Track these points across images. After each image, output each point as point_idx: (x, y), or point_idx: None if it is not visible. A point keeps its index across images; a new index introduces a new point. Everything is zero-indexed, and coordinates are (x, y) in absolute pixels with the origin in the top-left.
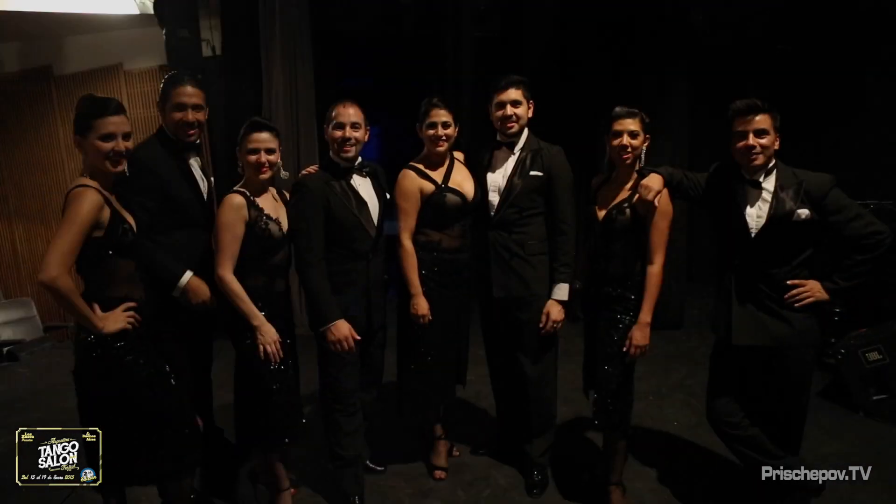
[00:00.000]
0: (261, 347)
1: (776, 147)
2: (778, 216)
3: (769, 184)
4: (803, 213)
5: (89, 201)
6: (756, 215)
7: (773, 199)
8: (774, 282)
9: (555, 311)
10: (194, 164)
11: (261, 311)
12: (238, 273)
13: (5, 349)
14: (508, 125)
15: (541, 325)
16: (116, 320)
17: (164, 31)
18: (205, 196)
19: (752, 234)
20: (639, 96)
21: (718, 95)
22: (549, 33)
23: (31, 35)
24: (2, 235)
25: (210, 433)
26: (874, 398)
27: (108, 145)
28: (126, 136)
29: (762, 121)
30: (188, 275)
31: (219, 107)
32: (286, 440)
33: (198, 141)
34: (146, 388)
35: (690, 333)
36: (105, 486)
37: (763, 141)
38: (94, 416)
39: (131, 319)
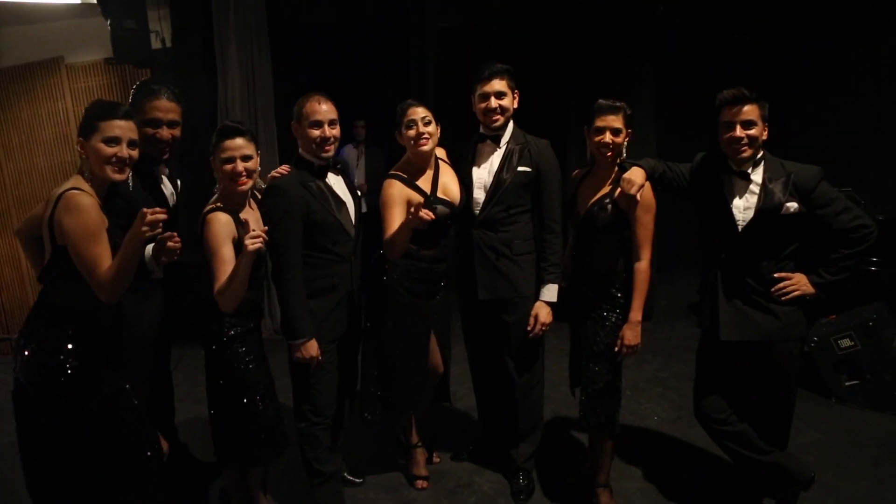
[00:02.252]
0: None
1: (764, 138)
2: (766, 209)
3: (757, 175)
4: (792, 206)
5: (92, 205)
6: (743, 207)
7: (761, 191)
8: (761, 275)
9: (543, 314)
10: (163, 176)
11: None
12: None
13: None
14: (493, 118)
15: (529, 328)
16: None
17: (108, 22)
18: (171, 206)
19: (739, 227)
20: (606, 88)
21: (685, 87)
22: (515, 23)
23: None
24: None
25: (174, 450)
26: (846, 384)
27: (111, 150)
28: (132, 144)
29: (750, 111)
30: (148, 247)
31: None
32: (270, 455)
33: (166, 156)
34: (105, 409)
35: (661, 325)
36: None
37: (751, 132)
38: (41, 442)
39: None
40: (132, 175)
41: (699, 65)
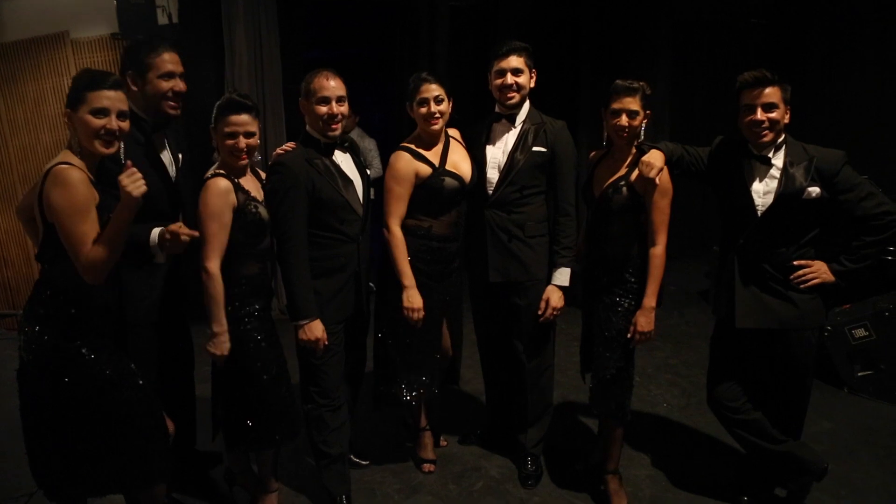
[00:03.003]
0: (211, 352)
1: (786, 121)
2: (787, 194)
3: (778, 160)
4: (814, 191)
5: (81, 181)
6: (763, 192)
7: (782, 175)
8: (780, 262)
9: (555, 298)
10: (159, 142)
11: (255, 303)
12: (229, 263)
13: None
14: (509, 95)
15: (539, 312)
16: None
17: None
18: (173, 179)
19: (759, 213)
20: (619, 69)
21: (700, 70)
22: (528, 3)
23: None
24: None
25: (188, 434)
26: (860, 374)
27: (99, 122)
28: (122, 115)
29: (771, 93)
30: (156, 231)
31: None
32: (284, 437)
33: (176, 112)
34: (109, 389)
35: (670, 311)
36: (64, 499)
37: (772, 115)
38: (45, 422)
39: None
40: (123, 147)
41: (715, 48)
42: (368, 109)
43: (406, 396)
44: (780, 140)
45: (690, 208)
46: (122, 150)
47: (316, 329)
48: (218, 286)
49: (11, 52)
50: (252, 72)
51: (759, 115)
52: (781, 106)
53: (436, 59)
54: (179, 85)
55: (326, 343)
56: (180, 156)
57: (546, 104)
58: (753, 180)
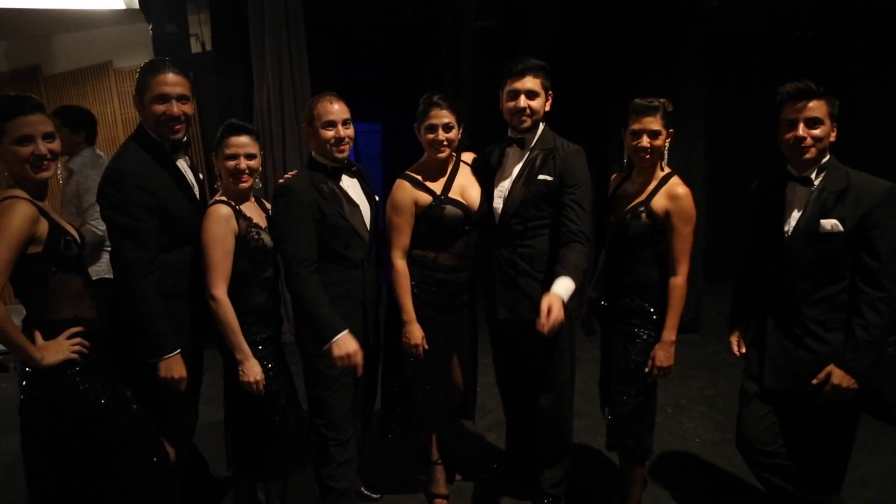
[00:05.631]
0: (245, 382)
1: (832, 139)
2: (806, 223)
3: (818, 182)
4: (828, 223)
5: (20, 214)
6: (795, 219)
7: (810, 200)
8: (814, 309)
9: (557, 306)
10: (185, 166)
11: (261, 333)
12: (235, 293)
13: None
14: (521, 119)
15: (540, 324)
16: (59, 350)
17: (150, 27)
18: (199, 201)
19: (786, 242)
20: (650, 90)
21: (736, 87)
22: (555, 21)
23: (19, 34)
24: None
25: (193, 462)
26: None
27: (25, 150)
28: (48, 137)
29: (816, 108)
30: (176, 352)
31: (210, 104)
32: (292, 468)
33: (185, 138)
34: (104, 418)
35: (709, 337)
36: None
37: (816, 132)
38: (45, 457)
39: (76, 347)
40: (64, 169)
41: (754, 63)
42: (396, 132)
43: (412, 433)
44: (824, 160)
45: (732, 230)
46: (59, 172)
47: (350, 341)
48: (229, 312)
49: (60, 83)
50: (280, 97)
51: (802, 130)
52: (827, 122)
53: (460, 81)
54: (173, 109)
55: (362, 354)
56: (201, 176)
57: (575, 125)
58: (792, 205)
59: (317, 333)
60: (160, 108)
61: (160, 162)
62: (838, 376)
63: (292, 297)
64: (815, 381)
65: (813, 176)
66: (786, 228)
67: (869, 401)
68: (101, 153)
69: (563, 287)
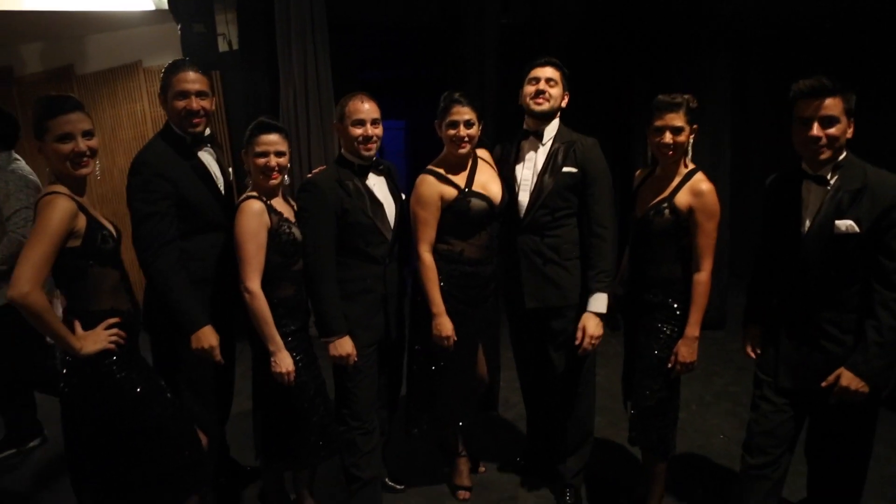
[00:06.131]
0: (276, 372)
1: (849, 136)
2: (821, 224)
3: (833, 181)
4: (844, 224)
5: (61, 209)
6: (811, 220)
7: (826, 200)
8: (832, 313)
9: (592, 325)
10: (209, 158)
11: (291, 325)
12: (265, 285)
13: None
14: (539, 100)
15: (577, 343)
16: (97, 340)
17: (179, 27)
18: (223, 193)
19: (802, 243)
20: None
21: (764, 85)
22: (578, 18)
23: (52, 35)
24: None
25: (220, 450)
26: None
27: (66, 147)
28: (87, 135)
29: (831, 105)
30: (207, 328)
31: (237, 102)
32: (322, 457)
33: (207, 132)
34: (140, 406)
35: (734, 334)
36: None
37: (831, 131)
38: (85, 441)
39: (114, 337)
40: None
41: (780, 57)
42: (420, 130)
43: (436, 430)
44: (840, 158)
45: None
46: (98, 168)
47: (346, 345)
48: (263, 304)
49: (91, 82)
50: (305, 95)
51: (816, 130)
52: (843, 119)
53: (484, 78)
54: (192, 104)
55: (356, 360)
56: (230, 170)
57: (598, 121)
58: (807, 204)
59: (321, 325)
60: (181, 103)
61: (182, 154)
62: (847, 378)
63: (308, 288)
64: (824, 384)
65: (829, 175)
66: (801, 228)
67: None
68: (19, 157)
69: (599, 304)
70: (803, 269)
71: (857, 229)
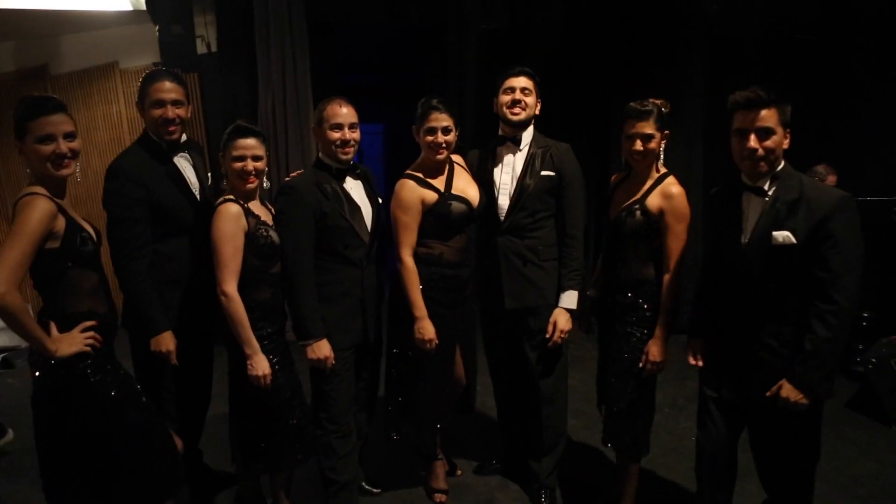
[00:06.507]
0: (252, 376)
1: (785, 146)
2: (757, 237)
3: (772, 192)
4: (781, 235)
5: (40, 209)
6: (750, 231)
7: (763, 212)
8: (766, 318)
9: (562, 320)
10: (185, 164)
11: (267, 328)
12: (242, 288)
13: (0, 356)
14: (515, 110)
15: (548, 336)
16: (72, 343)
17: (157, 28)
18: (198, 197)
19: (743, 254)
20: (651, 92)
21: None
22: (559, 25)
23: (27, 34)
24: None
25: (190, 455)
26: None
27: (47, 148)
28: (69, 136)
29: (767, 117)
30: (167, 333)
31: (216, 104)
32: (298, 460)
33: (183, 138)
34: (115, 409)
35: None
36: None
37: (768, 143)
38: (58, 447)
39: (90, 340)
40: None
41: (754, 65)
42: (398, 134)
43: (415, 434)
44: (778, 168)
45: None
46: (77, 170)
47: (323, 348)
48: (239, 308)
49: (65, 83)
50: (284, 98)
51: (753, 142)
52: (779, 130)
53: (465, 83)
54: (168, 112)
55: (334, 362)
56: (209, 175)
57: (577, 126)
58: (748, 215)
59: (299, 329)
60: (157, 112)
61: (158, 160)
62: (787, 390)
63: (286, 292)
64: (768, 394)
65: (766, 186)
66: (742, 239)
67: (862, 400)
68: None
69: (569, 300)
70: (744, 281)
71: (793, 240)
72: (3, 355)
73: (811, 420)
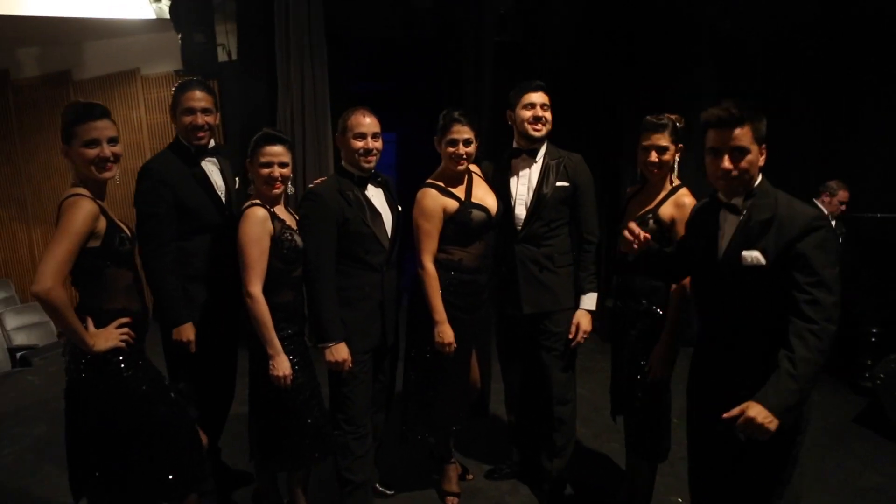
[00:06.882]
0: (274, 376)
1: (761, 164)
2: (728, 256)
3: (745, 211)
4: (750, 255)
5: (84, 210)
6: (724, 249)
7: (735, 231)
8: (739, 337)
9: (585, 322)
10: (212, 168)
11: (288, 329)
12: (265, 290)
13: (19, 354)
14: (537, 126)
15: (570, 336)
16: (108, 338)
17: (179, 37)
18: (223, 200)
19: (716, 272)
20: (662, 102)
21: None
22: (572, 38)
23: (51, 40)
24: (20, 239)
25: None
26: None
27: (92, 151)
28: (112, 141)
29: (741, 135)
30: (188, 325)
31: (235, 111)
32: (315, 459)
33: (212, 144)
34: (145, 404)
35: None
36: None
37: (742, 163)
38: (89, 439)
39: (125, 336)
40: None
41: (767, 79)
42: (410, 143)
43: (432, 436)
44: (755, 185)
45: None
46: (118, 174)
47: (342, 351)
48: (264, 309)
49: (88, 88)
50: (302, 105)
51: (727, 163)
52: (754, 148)
53: (480, 94)
54: (197, 120)
55: (352, 365)
56: (237, 179)
57: (589, 138)
58: (724, 233)
59: (318, 331)
60: (187, 119)
61: (186, 163)
62: (755, 410)
63: (307, 295)
64: (725, 415)
65: (741, 203)
66: (717, 257)
67: (870, 414)
68: None
69: (590, 302)
70: (717, 298)
71: (762, 261)
72: (21, 353)
73: (780, 454)
